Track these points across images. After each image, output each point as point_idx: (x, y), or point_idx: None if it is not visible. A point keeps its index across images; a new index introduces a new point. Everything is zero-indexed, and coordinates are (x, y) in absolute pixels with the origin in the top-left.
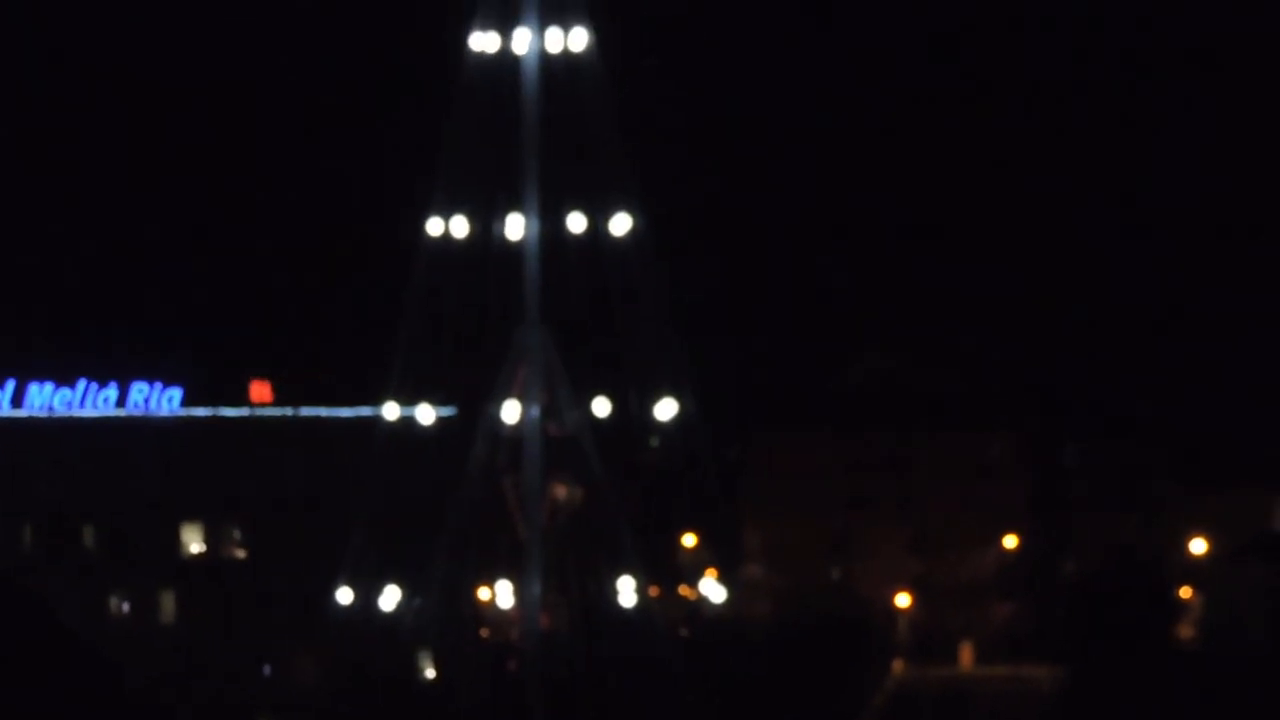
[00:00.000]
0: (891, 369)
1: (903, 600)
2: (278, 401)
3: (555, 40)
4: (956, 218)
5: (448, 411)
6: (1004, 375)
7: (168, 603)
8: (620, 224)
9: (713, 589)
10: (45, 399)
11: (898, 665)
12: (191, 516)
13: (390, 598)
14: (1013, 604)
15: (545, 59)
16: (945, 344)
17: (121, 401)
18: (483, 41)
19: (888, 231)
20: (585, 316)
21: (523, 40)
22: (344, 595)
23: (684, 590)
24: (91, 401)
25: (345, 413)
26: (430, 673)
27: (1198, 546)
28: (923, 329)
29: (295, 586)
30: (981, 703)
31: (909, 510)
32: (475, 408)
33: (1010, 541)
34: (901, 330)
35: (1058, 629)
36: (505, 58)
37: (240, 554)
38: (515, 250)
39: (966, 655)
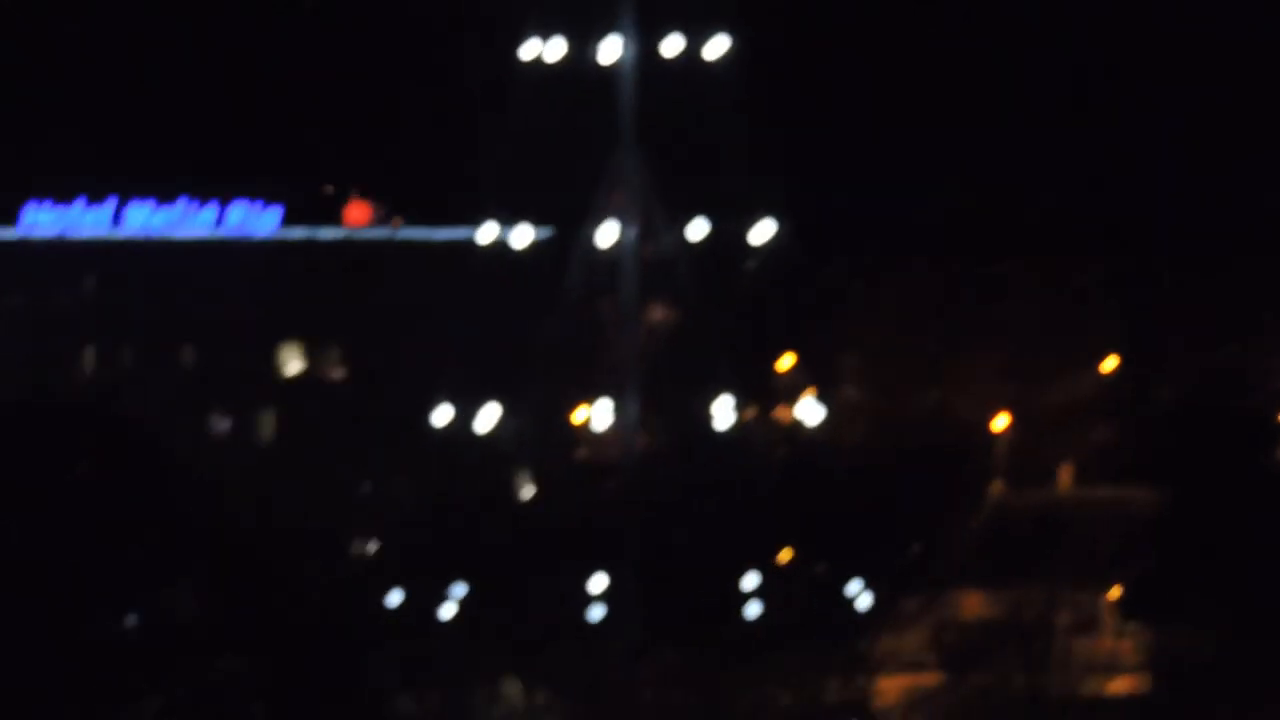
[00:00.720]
0: (987, 191)
1: (1000, 423)
2: (375, 222)
3: None
4: (1053, 37)
5: (544, 233)
6: (1100, 197)
7: (266, 423)
8: (717, 46)
9: (809, 411)
10: (145, 219)
11: (995, 487)
12: (291, 337)
13: (488, 418)
14: (1112, 426)
15: None
16: (1040, 166)
17: (220, 222)
18: None
19: (985, 49)
20: (682, 139)
21: None
22: (442, 415)
23: (780, 412)
24: (191, 221)
25: (442, 234)
26: (527, 493)
27: None
28: (1017, 151)
29: (393, 407)
30: (1081, 525)
31: (1005, 334)
32: (571, 230)
33: (1110, 364)
34: (996, 152)
35: (1157, 451)
36: None
37: (339, 375)
38: (611, 72)
39: (1065, 478)
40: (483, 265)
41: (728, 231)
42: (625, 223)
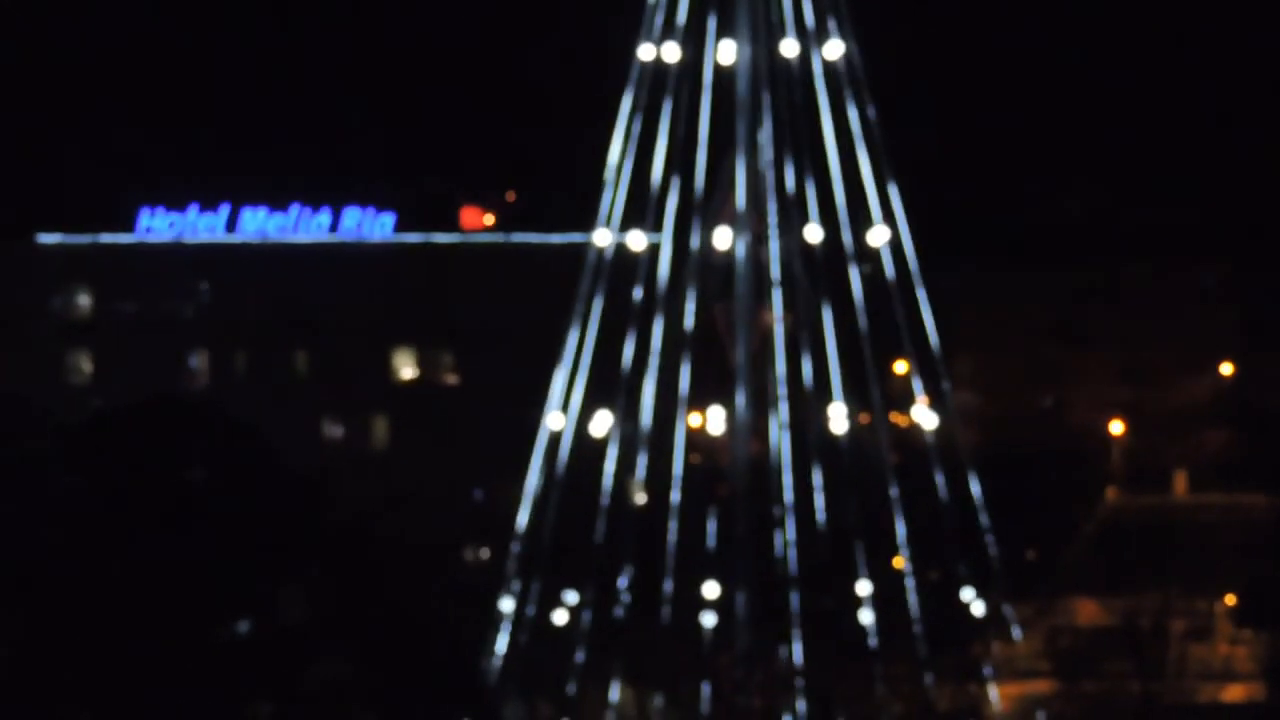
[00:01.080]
0: (1104, 196)
1: (1116, 428)
2: (490, 227)
3: None
4: (1169, 43)
5: (659, 237)
6: (1217, 202)
7: (380, 428)
8: (833, 50)
9: (924, 416)
10: (259, 224)
11: (1110, 493)
12: (404, 341)
13: (601, 423)
14: (1228, 432)
15: None
16: (1159, 170)
17: (335, 226)
18: None
19: (1103, 59)
20: (797, 142)
21: None
22: (555, 421)
23: (895, 417)
24: (305, 226)
25: (557, 238)
26: (640, 498)
27: None
28: (1136, 155)
29: (506, 412)
30: (1195, 531)
31: (1121, 338)
32: (687, 234)
33: (1226, 369)
34: (1114, 157)
35: (1273, 457)
36: None
37: (452, 379)
38: (728, 75)
39: (1180, 483)
40: (597, 270)
41: (843, 236)
42: (740, 227)
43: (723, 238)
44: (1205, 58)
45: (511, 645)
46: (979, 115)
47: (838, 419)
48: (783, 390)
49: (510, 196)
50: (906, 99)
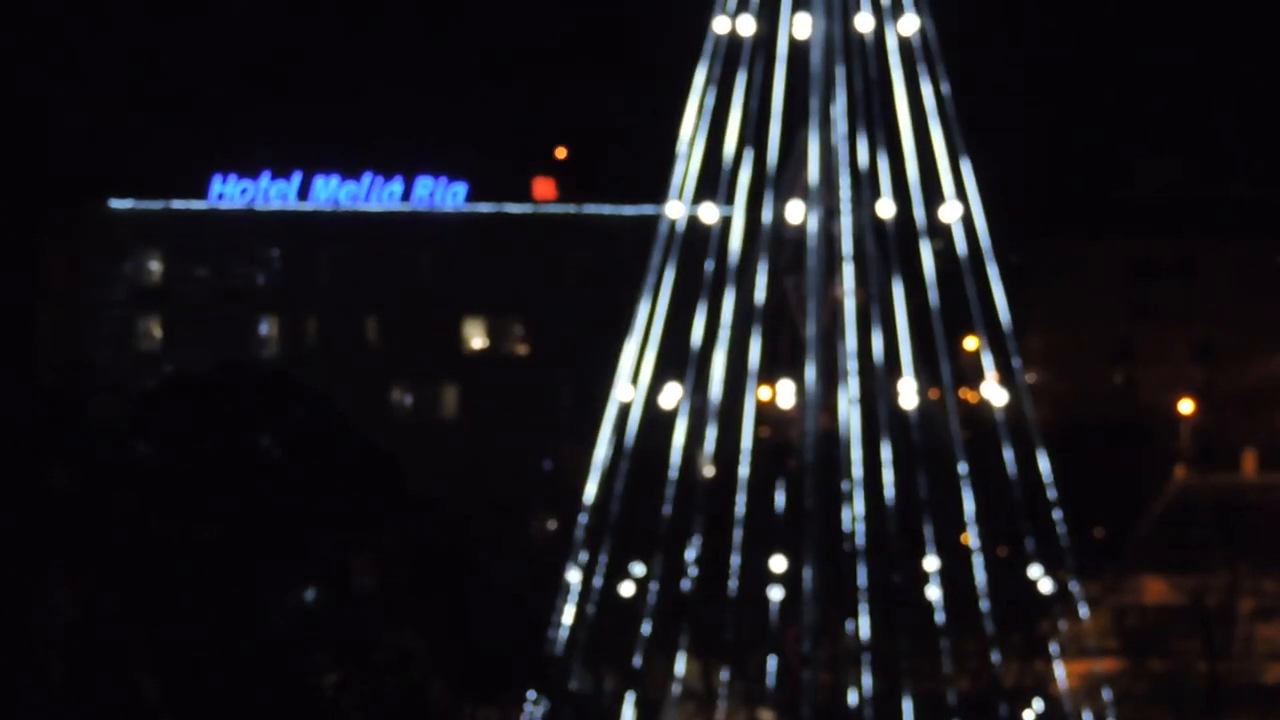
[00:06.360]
0: (1179, 173)
1: (1186, 406)
2: (561, 198)
3: None
4: (1252, 18)
5: (730, 210)
6: None
7: (449, 397)
8: (908, 25)
9: (994, 392)
10: (331, 192)
11: (1179, 472)
12: (474, 311)
13: (670, 395)
14: None
15: None
16: (1235, 148)
17: (406, 196)
18: None
19: (1181, 32)
20: (871, 116)
21: None
22: (624, 392)
23: (965, 393)
24: (377, 195)
25: (628, 210)
26: (708, 470)
27: None
28: (1212, 131)
29: (576, 382)
30: (1264, 510)
31: (1194, 316)
32: (758, 207)
33: None
34: (1190, 133)
35: None
36: None
37: (522, 349)
38: (802, 49)
39: (1250, 463)
40: (669, 241)
41: (915, 211)
42: (812, 201)
43: (795, 211)
44: None
45: (578, 617)
46: (1054, 90)
47: (907, 394)
48: (853, 365)
49: (574, 164)
50: (981, 73)
